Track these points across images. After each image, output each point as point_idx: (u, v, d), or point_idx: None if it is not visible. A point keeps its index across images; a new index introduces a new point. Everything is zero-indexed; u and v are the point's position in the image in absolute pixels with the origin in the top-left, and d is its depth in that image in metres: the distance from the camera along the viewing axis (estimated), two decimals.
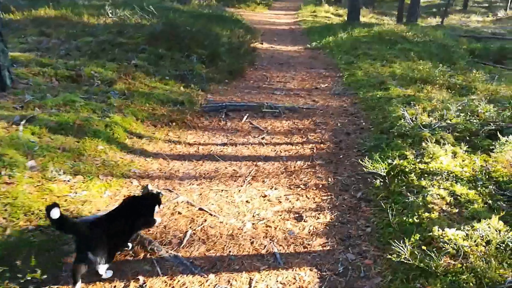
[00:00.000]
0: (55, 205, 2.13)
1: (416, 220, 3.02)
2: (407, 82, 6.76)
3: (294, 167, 4.15)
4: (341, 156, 4.41)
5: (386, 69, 7.73)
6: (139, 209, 2.67)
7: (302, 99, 6.35)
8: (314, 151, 4.53)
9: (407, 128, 4.60)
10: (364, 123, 5.33)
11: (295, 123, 5.35)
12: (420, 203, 3.20)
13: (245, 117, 5.38)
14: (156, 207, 2.79)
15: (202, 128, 4.99)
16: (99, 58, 6.27)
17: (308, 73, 8.20)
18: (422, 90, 6.27)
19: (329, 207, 3.43)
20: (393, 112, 5.21)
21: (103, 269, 2.41)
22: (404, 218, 3.07)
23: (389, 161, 3.90)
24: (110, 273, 2.48)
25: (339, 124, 5.32)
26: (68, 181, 3.21)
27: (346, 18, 18.23)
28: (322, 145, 4.70)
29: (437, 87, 6.51)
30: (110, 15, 10.66)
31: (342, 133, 5.07)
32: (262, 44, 11.76)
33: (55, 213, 2.11)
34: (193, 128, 4.92)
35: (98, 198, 3.18)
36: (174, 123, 4.80)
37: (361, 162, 3.96)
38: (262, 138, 4.81)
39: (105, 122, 4.16)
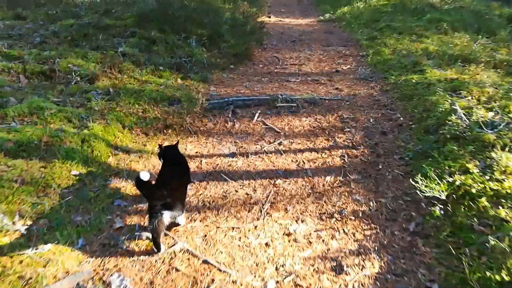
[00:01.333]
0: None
1: (506, 277, 2.20)
2: (445, 62, 5.77)
3: (323, 184, 3.32)
4: (380, 167, 3.56)
5: (416, 45, 6.70)
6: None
7: (322, 87, 5.43)
8: (346, 159, 3.68)
9: (461, 127, 3.70)
10: (401, 118, 4.44)
11: (318, 120, 4.46)
12: (506, 248, 2.36)
13: (257, 115, 4.50)
14: None
15: (205, 132, 4.14)
16: (80, 46, 5.36)
17: (325, 52, 7.22)
18: (466, 71, 5.30)
19: (376, 248, 2.62)
20: (437, 104, 4.30)
21: (182, 219, 2.72)
22: (488, 274, 2.25)
23: (447, 177, 3.05)
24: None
25: (371, 120, 4.44)
26: (26, 231, 2.42)
27: None
28: (354, 150, 3.84)
29: (482, 66, 5.52)
30: None
31: (377, 132, 4.20)
32: (269, 18, 10.67)
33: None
34: (194, 133, 4.06)
35: (68, 253, 2.39)
36: (170, 129, 3.95)
37: (410, 180, 3.11)
38: (279, 144, 3.96)
39: (81, 136, 3.32)
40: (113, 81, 4.43)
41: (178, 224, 2.70)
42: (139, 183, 2.43)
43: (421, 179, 3.04)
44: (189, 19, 6.76)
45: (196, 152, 3.73)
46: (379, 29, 8.03)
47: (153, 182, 2.64)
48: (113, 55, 5.09)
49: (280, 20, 10.39)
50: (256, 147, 3.90)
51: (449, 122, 3.82)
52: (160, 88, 4.58)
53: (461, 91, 4.58)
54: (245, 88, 5.25)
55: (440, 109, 4.16)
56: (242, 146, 3.90)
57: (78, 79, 4.34)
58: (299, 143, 3.99)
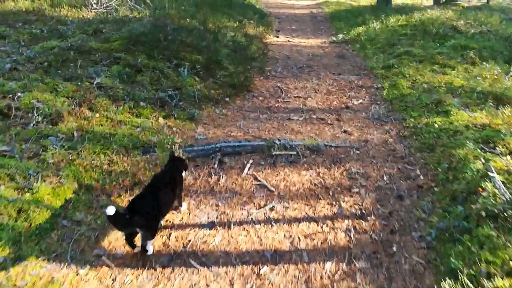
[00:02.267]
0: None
1: None
2: (473, 101, 5.06)
3: (321, 276, 2.64)
4: (394, 250, 2.87)
5: (439, 77, 6.01)
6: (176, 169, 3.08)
7: (329, 128, 4.77)
8: (352, 236, 3.00)
9: (499, 201, 2.98)
10: (421, 177, 3.74)
11: (321, 174, 3.79)
12: None
13: (248, 165, 3.86)
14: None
15: (183, 190, 3.49)
16: (55, 74, 4.81)
17: (335, 82, 6.56)
18: (499, 115, 4.58)
19: None
20: (466, 161, 3.60)
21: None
22: None
23: (484, 281, 2.34)
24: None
25: (385, 177, 3.75)
26: None
27: (376, 1, 16.23)
28: (363, 222, 3.16)
29: None
30: (95, 6, 9.21)
31: (392, 195, 3.51)
32: (277, 36, 10.10)
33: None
34: None
35: None
36: (139, 187, 3.31)
37: (433, 277, 2.41)
38: (271, 209, 3.29)
39: (18, 205, 2.70)
40: (80, 122, 3.84)
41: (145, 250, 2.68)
42: (109, 219, 2.47)
43: (449, 284, 2.34)
44: (184, 43, 6.19)
45: (166, 221, 3.08)
46: (396, 56, 7.35)
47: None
48: (88, 87, 4.52)
49: (289, 41, 9.79)
50: (242, 214, 3.24)
51: (483, 193, 3.12)
52: (135, 131, 3.97)
53: (495, 144, 3.86)
54: (238, 128, 4.61)
55: (471, 170, 3.45)
56: (224, 212, 3.25)
57: (39, 119, 3.75)
58: (295, 209, 3.32)
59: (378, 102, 5.65)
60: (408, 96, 5.52)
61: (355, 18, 12.56)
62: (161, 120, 4.37)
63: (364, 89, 6.22)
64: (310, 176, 3.78)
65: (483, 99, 5.07)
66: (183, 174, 3.17)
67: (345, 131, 4.69)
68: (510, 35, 8.42)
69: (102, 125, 3.95)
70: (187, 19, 9.18)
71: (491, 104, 4.92)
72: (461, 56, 6.90)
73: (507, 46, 7.79)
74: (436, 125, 4.53)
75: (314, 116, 5.15)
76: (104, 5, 9.26)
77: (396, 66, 6.79)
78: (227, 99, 5.49)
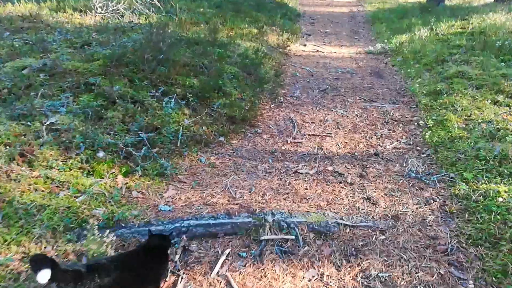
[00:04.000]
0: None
1: None
2: None
3: None
4: None
5: (504, 114, 4.66)
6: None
7: (347, 191, 3.63)
8: None
9: None
10: None
11: (325, 278, 2.69)
12: None
13: (221, 260, 2.81)
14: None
15: None
16: (7, 107, 4.00)
17: (365, 112, 5.36)
18: None
19: None
20: None
21: None
22: None
23: None
24: None
25: None
26: None
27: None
28: None
29: None
30: (100, 10, 8.48)
31: None
32: (305, 45, 8.93)
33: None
34: None
35: None
36: None
37: None
38: None
39: None
40: (4, 188, 2.97)
41: None
42: None
43: None
44: (178, 63, 5.23)
45: None
46: (446, 77, 6.00)
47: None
48: (38, 129, 3.65)
49: (317, 50, 8.58)
50: None
51: None
52: (76, 202, 3.04)
53: None
54: (223, 190, 3.57)
55: None
56: None
57: None
58: None
59: (418, 148, 4.41)
60: (459, 142, 4.24)
61: (400, 20, 11.12)
62: (120, 178, 3.43)
63: (401, 125, 4.97)
64: (310, 280, 2.69)
65: None
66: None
67: (368, 198, 3.53)
68: None
69: (35, 190, 3.06)
70: (201, 25, 8.27)
71: None
72: None
73: None
74: (500, 198, 3.27)
75: (330, 169, 4.01)
76: (111, 9, 8.51)
77: (445, 93, 5.47)
78: (222, 138, 4.47)
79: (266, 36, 8.28)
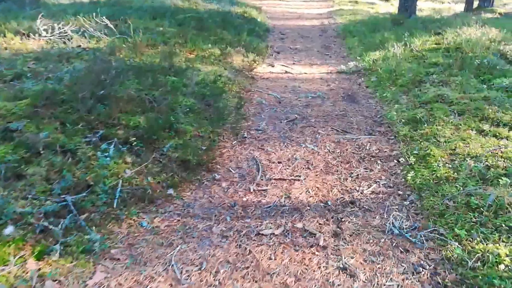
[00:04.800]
0: None
1: None
2: None
3: None
4: None
5: (491, 142, 4.21)
6: None
7: (319, 259, 3.01)
8: None
9: None
10: None
11: None
12: None
13: None
14: None
15: None
16: None
17: (338, 147, 4.81)
18: None
19: None
20: None
21: None
22: None
23: None
24: None
25: None
26: None
27: (397, 10, 14.45)
28: None
29: None
30: (45, 33, 7.72)
31: None
32: (273, 66, 8.40)
33: None
34: None
35: None
36: None
37: None
38: None
39: None
40: None
41: None
42: None
43: None
44: (122, 99, 4.56)
45: None
46: (425, 101, 5.55)
47: None
48: None
49: (286, 71, 8.05)
50: None
51: None
52: None
53: None
54: (167, 268, 2.89)
55: None
56: None
57: None
58: None
59: (400, 192, 3.87)
60: (446, 185, 3.72)
61: (372, 34, 10.79)
62: (31, 263, 2.71)
63: (379, 162, 4.44)
64: None
65: None
66: None
67: (344, 268, 2.93)
68: None
69: None
70: (159, 47, 7.62)
71: None
72: None
73: None
74: (502, 266, 2.73)
75: (300, 226, 3.40)
76: (57, 32, 7.76)
77: (425, 121, 4.98)
78: (171, 191, 3.80)
79: (230, 57, 7.69)
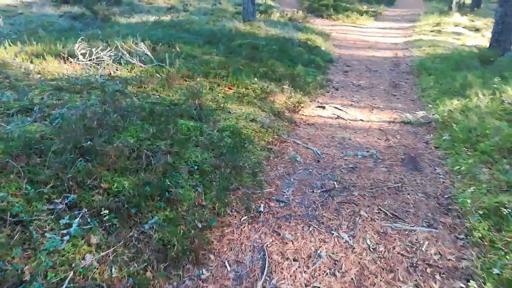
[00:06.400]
0: None
1: None
2: None
3: None
4: None
5: None
6: None
7: None
8: None
9: None
10: None
11: None
12: None
13: None
14: None
15: None
16: None
17: (381, 240, 3.59)
18: None
19: None
20: None
21: None
22: None
23: None
24: None
25: None
26: None
27: (489, 43, 12.57)
28: None
29: None
30: (82, 58, 7.41)
31: None
32: (323, 107, 7.31)
33: None
34: None
35: None
36: None
37: None
38: None
39: None
40: None
41: None
42: None
43: None
44: (116, 148, 3.79)
45: None
46: None
47: None
48: None
49: (338, 116, 6.90)
50: None
51: None
52: None
53: None
54: None
55: None
56: None
57: None
58: None
59: None
60: None
61: (453, 73, 9.24)
62: None
63: (438, 278, 3.14)
64: None
65: None
66: None
67: None
68: None
69: None
70: (197, 79, 6.93)
71: None
72: None
73: None
74: None
75: None
76: (94, 56, 7.41)
77: None
78: None
79: (273, 96, 6.75)
